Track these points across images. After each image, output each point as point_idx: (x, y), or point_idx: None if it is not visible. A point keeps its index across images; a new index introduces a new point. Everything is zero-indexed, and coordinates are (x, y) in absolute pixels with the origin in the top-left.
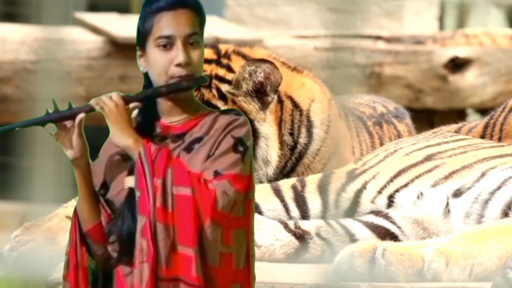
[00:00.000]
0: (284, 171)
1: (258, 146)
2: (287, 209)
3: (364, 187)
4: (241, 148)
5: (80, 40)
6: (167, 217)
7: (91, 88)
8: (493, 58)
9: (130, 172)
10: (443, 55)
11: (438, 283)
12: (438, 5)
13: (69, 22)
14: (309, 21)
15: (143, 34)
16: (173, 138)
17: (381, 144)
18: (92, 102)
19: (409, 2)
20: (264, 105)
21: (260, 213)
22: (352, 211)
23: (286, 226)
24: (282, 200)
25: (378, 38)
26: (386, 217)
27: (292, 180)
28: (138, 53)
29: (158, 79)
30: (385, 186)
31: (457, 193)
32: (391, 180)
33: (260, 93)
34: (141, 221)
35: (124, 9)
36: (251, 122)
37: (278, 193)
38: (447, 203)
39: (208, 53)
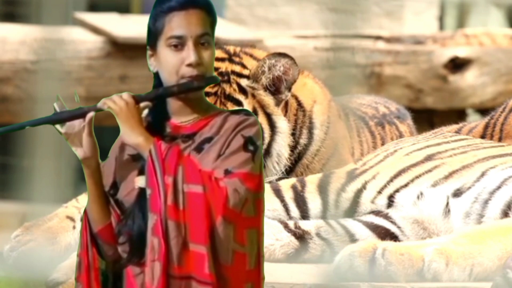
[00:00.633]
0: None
1: (274, 141)
2: (287, 209)
3: (364, 187)
4: (251, 147)
5: (80, 40)
6: (178, 215)
7: (91, 88)
8: (493, 58)
9: (140, 172)
10: (443, 55)
11: (438, 283)
12: (438, 5)
13: (69, 22)
14: (309, 21)
15: (154, 33)
16: (183, 138)
17: (383, 144)
18: (102, 101)
19: (409, 2)
20: (278, 102)
21: None
22: (352, 211)
23: (286, 226)
24: (282, 200)
25: (378, 38)
26: (386, 217)
27: (292, 180)
28: (149, 52)
29: (169, 79)
30: (385, 186)
31: (457, 193)
32: (391, 180)
33: (275, 88)
34: (152, 219)
35: (124, 9)
36: (269, 116)
37: (278, 193)
38: (447, 203)
39: (218, 53)
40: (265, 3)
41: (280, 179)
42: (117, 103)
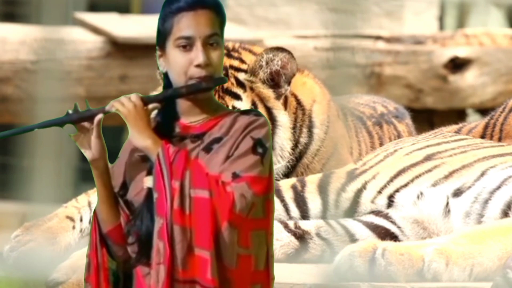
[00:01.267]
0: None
1: (276, 135)
2: (287, 209)
3: (364, 187)
4: (260, 150)
5: (80, 40)
6: (184, 219)
7: (91, 88)
8: (493, 58)
9: (149, 172)
10: (443, 55)
11: (438, 283)
12: (438, 5)
13: (69, 22)
14: (309, 21)
15: (163, 34)
16: (192, 138)
17: (381, 144)
18: (111, 103)
19: (409, 2)
20: (277, 96)
21: None
22: (352, 211)
23: (286, 226)
24: (282, 200)
25: (378, 38)
26: (386, 217)
27: (292, 180)
28: (158, 53)
29: (178, 80)
30: (385, 186)
31: (457, 193)
32: (391, 180)
33: (274, 82)
34: (158, 223)
35: (124, 9)
36: (269, 110)
37: (278, 193)
38: (447, 203)
39: None
40: (265, 3)
41: (285, 175)
42: (125, 105)
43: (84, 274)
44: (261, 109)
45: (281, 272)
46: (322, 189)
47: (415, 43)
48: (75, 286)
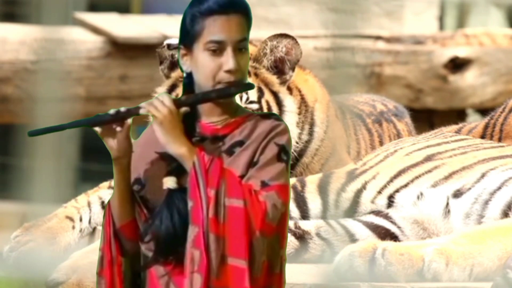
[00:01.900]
0: None
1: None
2: None
3: (364, 187)
4: (284, 157)
5: (80, 40)
6: (218, 228)
7: (91, 88)
8: (493, 58)
9: (169, 173)
10: (443, 55)
11: (438, 283)
12: (438, 5)
13: (69, 22)
14: (309, 21)
15: (191, 35)
16: (213, 139)
17: (380, 142)
18: (144, 106)
19: (409, 2)
20: (282, 81)
21: None
22: (352, 211)
23: None
24: None
25: (378, 38)
26: (386, 217)
27: (292, 180)
28: (182, 51)
29: (205, 83)
30: (385, 186)
31: (457, 194)
32: (391, 180)
33: (278, 69)
34: (194, 231)
35: (124, 9)
36: (276, 94)
37: None
38: (447, 204)
39: None
40: (265, 3)
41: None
42: (160, 110)
43: (96, 268)
44: (267, 94)
45: None
46: (322, 189)
47: (415, 43)
48: (75, 286)
